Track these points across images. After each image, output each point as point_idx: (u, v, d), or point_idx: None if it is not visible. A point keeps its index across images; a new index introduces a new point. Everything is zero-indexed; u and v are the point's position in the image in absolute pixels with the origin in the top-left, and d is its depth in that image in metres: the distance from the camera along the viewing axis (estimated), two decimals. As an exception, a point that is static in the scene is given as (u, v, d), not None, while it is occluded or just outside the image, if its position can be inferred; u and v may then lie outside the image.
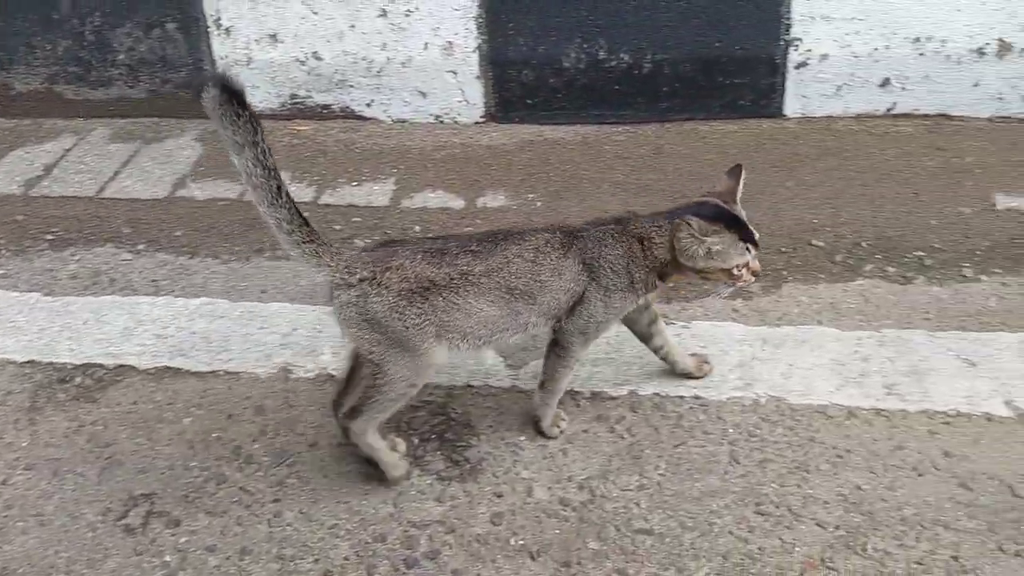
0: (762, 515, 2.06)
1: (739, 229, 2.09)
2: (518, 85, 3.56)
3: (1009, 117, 3.26)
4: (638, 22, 3.35)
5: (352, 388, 2.23)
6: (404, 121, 3.73)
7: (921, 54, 3.21)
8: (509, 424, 2.35)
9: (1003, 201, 2.93)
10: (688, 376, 2.41)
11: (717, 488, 2.13)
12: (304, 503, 2.19)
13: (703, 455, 2.21)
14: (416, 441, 2.33)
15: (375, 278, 2.05)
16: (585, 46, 3.43)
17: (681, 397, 2.37)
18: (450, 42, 3.52)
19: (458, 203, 3.24)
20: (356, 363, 2.21)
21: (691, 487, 2.14)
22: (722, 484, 2.14)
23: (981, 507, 2.02)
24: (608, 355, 2.51)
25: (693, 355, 2.43)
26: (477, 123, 3.66)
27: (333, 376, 2.52)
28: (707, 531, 2.04)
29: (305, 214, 2.06)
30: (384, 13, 3.53)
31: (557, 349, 2.24)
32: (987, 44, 3.15)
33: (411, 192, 3.33)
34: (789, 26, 3.26)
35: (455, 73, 3.58)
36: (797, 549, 1.98)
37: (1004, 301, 2.55)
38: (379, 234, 3.12)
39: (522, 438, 2.31)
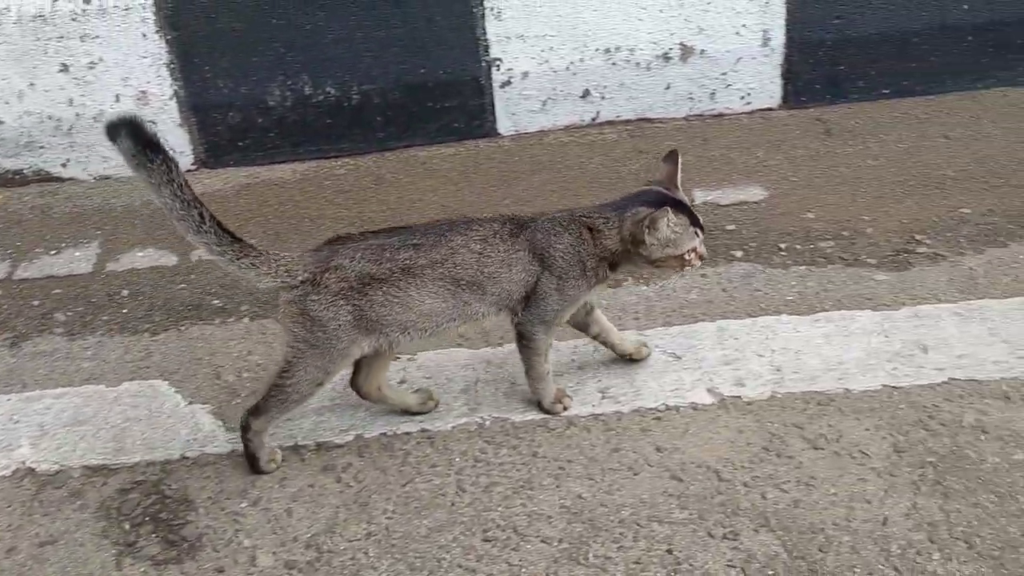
0: (489, 541, 2.06)
1: (688, 214, 2.12)
2: (226, 128, 3.42)
3: (702, 115, 3.48)
4: (338, 55, 3.31)
5: (361, 371, 2.30)
6: (107, 178, 3.50)
7: (614, 64, 3.36)
8: (230, 492, 2.23)
9: (699, 196, 3.11)
10: (630, 359, 2.43)
11: (445, 521, 2.11)
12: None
13: (430, 489, 2.19)
14: (127, 527, 2.16)
15: (315, 279, 2.09)
16: (289, 83, 3.35)
17: (408, 433, 2.33)
18: (143, 91, 3.34)
19: (171, 259, 3.07)
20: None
21: (419, 525, 2.10)
22: (449, 516, 2.12)
23: (691, 496, 2.11)
24: (333, 401, 2.44)
25: (635, 338, 2.45)
26: (189, 171, 3.48)
27: (34, 470, 2.32)
28: (435, 568, 2.01)
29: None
30: (65, 68, 3.30)
31: (523, 341, 2.27)
32: (671, 49, 3.35)
33: (117, 254, 3.12)
34: (487, 47, 3.33)
35: (155, 123, 3.37)
36: (524, 570, 1.99)
37: (704, 292, 2.71)
38: (83, 304, 2.90)
39: (244, 504, 2.19)
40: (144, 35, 3.26)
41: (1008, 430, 2.17)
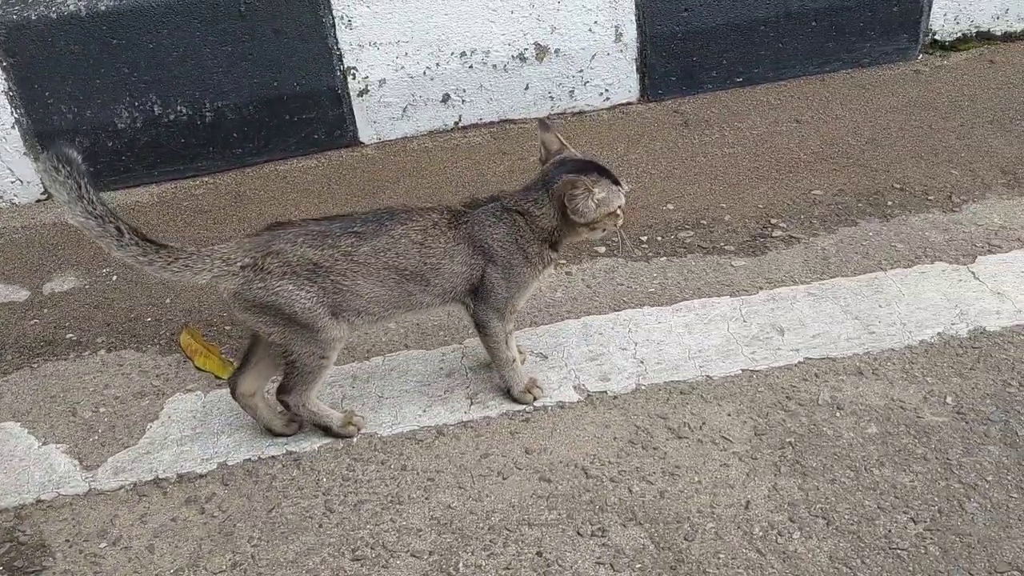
0: (358, 560, 2.02)
1: (602, 171, 2.15)
2: (74, 154, 3.28)
3: (563, 112, 3.50)
4: (186, 72, 3.21)
5: (248, 369, 2.25)
6: (-49, 212, 3.33)
7: (471, 67, 3.35)
8: (88, 533, 2.13)
9: (562, 194, 3.13)
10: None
11: (313, 544, 2.06)
12: None
13: (297, 513, 2.14)
14: (-21, 580, 2.06)
15: (256, 264, 2.08)
16: (137, 104, 3.24)
17: (273, 457, 2.28)
18: (-19, 121, 3.18)
19: (21, 294, 2.93)
20: (254, 343, 2.24)
21: (286, 551, 2.05)
22: (318, 539, 2.07)
23: (560, 496, 2.12)
24: (195, 430, 2.37)
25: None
26: (39, 201, 3.34)
27: None
28: (304, 593, 1.98)
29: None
30: None
31: (481, 330, 2.27)
32: (526, 50, 3.36)
33: (-36, 292, 2.97)
34: (341, 56, 3.28)
35: (-3, 153, 3.25)
36: (394, 587, 1.97)
37: (568, 290, 2.72)
38: (-71, 348, 2.75)
39: (103, 545, 2.10)
40: (-22, 62, 3.11)
41: (862, 405, 2.25)
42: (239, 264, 2.08)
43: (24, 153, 3.25)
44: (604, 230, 2.22)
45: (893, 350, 2.39)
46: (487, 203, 2.23)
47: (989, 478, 2.05)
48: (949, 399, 2.25)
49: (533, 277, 2.23)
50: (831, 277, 2.64)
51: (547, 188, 2.16)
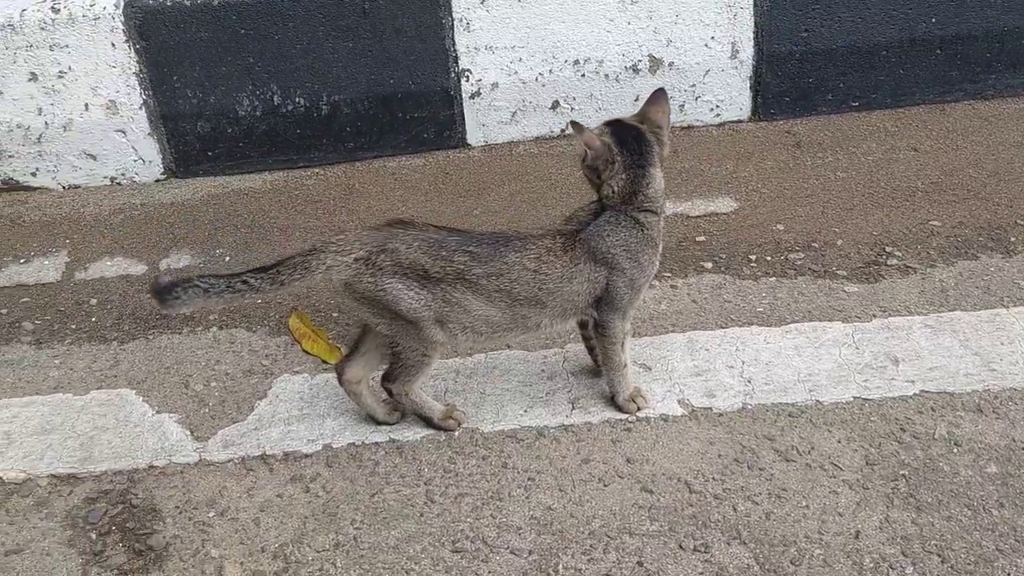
0: (458, 552, 2.04)
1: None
2: (195, 138, 3.39)
3: (672, 126, 3.46)
4: (308, 65, 3.29)
5: (356, 357, 2.30)
6: (77, 187, 3.46)
7: (583, 75, 3.36)
8: (197, 502, 2.20)
9: (670, 207, 3.10)
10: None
11: (414, 532, 2.08)
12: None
13: (399, 500, 2.16)
14: (94, 536, 2.13)
15: (369, 258, 2.12)
16: (258, 93, 3.32)
17: (377, 443, 2.31)
18: (113, 101, 3.30)
19: (139, 268, 3.03)
20: (363, 333, 2.29)
21: (387, 536, 2.08)
22: (418, 527, 2.10)
23: (662, 508, 2.10)
24: (302, 411, 2.42)
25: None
26: (158, 181, 3.45)
27: (0, 478, 2.28)
28: (405, 580, 2.00)
29: None
30: (35, 77, 3.26)
31: (599, 331, 2.28)
32: (640, 61, 3.35)
33: (86, 263, 3.08)
34: (456, 58, 3.32)
35: (124, 132, 3.35)
36: (493, 583, 1.98)
37: (673, 303, 2.70)
38: (51, 313, 2.86)
39: (211, 514, 2.16)
40: (113, 44, 3.22)
41: (981, 443, 2.18)
42: (353, 256, 2.12)
43: (148, 134, 3.36)
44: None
45: (1015, 389, 2.31)
46: (597, 215, 2.21)
47: (1119, 527, 1.98)
48: (1072, 444, 2.17)
49: (650, 275, 2.24)
50: (949, 310, 2.57)
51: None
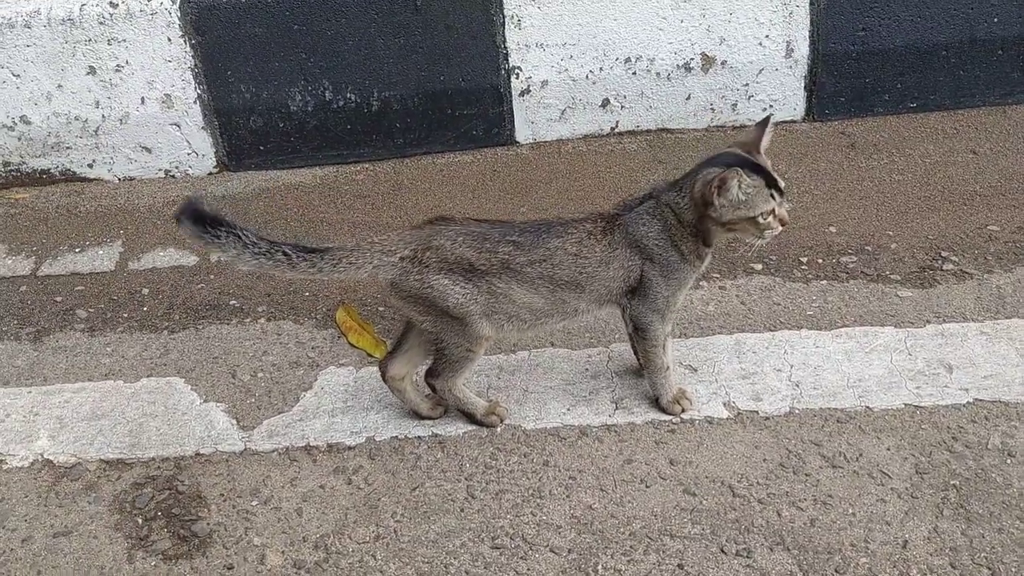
0: (498, 549, 2.03)
1: (763, 176, 2.05)
2: (248, 132, 3.44)
3: (723, 125, 3.45)
4: (359, 61, 3.31)
5: (399, 354, 2.32)
6: (132, 179, 3.52)
7: (634, 73, 3.34)
8: (241, 490, 2.22)
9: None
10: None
11: (454, 527, 2.09)
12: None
13: (440, 495, 2.17)
14: (140, 521, 2.16)
15: (415, 256, 2.15)
16: (310, 88, 3.36)
17: (419, 437, 2.32)
18: (168, 94, 3.36)
19: (191, 260, 3.08)
20: (407, 330, 2.31)
21: (427, 530, 2.09)
22: (459, 522, 2.10)
23: (704, 511, 2.07)
24: (346, 403, 2.44)
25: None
26: (210, 174, 3.51)
27: (52, 462, 2.34)
28: (443, 573, 1.99)
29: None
30: (92, 70, 3.33)
31: (639, 333, 2.26)
32: (692, 59, 3.32)
33: (140, 253, 3.14)
34: (507, 55, 3.32)
35: (178, 126, 3.41)
36: (531, 580, 1.97)
37: (721, 305, 2.67)
38: (104, 301, 2.92)
39: (255, 503, 2.19)
40: (169, 39, 3.28)
41: (1034, 453, 2.13)
42: (399, 255, 2.14)
43: (202, 127, 3.41)
44: (752, 234, 2.10)
45: (1072, 399, 2.25)
46: (642, 202, 2.20)
47: None
48: None
49: (691, 273, 2.19)
50: (1006, 318, 2.50)
51: (691, 177, 2.11)
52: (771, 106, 3.38)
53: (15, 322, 2.86)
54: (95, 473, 2.32)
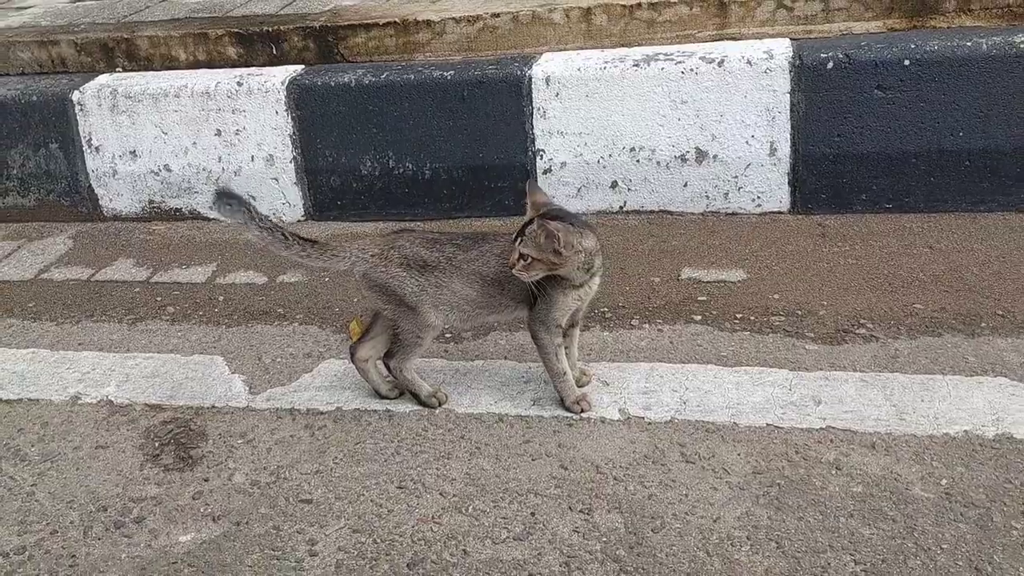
0: (401, 488, 2.60)
1: (570, 220, 2.74)
2: (328, 189, 4.28)
3: (717, 211, 3.94)
4: (417, 137, 4.10)
5: (367, 340, 2.91)
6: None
7: (638, 161, 3.93)
8: (235, 433, 2.90)
9: (686, 273, 3.57)
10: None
11: (375, 471, 2.67)
12: (57, 487, 2.73)
13: (375, 449, 2.76)
14: (157, 444, 2.88)
15: (382, 254, 2.80)
16: (378, 157, 4.17)
17: (375, 411, 2.93)
18: (271, 155, 4.26)
19: (261, 279, 3.89)
20: (374, 320, 2.90)
21: (355, 471, 2.68)
22: (380, 468, 2.68)
23: (568, 480, 2.55)
24: (331, 384, 3.09)
25: (582, 366, 2.95)
26: (298, 221, 4.35)
27: (112, 402, 3.11)
28: (354, 500, 2.57)
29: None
30: (219, 133, 4.29)
31: (534, 341, 2.80)
32: (687, 152, 3.87)
33: (226, 273, 3.98)
34: (533, 140, 4.00)
35: (277, 180, 4.30)
36: (416, 511, 2.51)
37: (652, 342, 3.15)
38: (189, 303, 3.75)
39: (240, 441, 2.86)
40: (276, 112, 4.20)
41: (860, 470, 2.48)
42: (370, 253, 2.82)
43: (295, 183, 4.28)
44: (576, 268, 2.68)
45: (914, 436, 2.58)
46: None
47: (944, 546, 2.22)
48: (944, 481, 2.42)
49: (561, 295, 2.73)
50: (891, 372, 2.85)
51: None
52: (759, 197, 3.86)
53: (122, 311, 3.74)
54: (139, 412, 3.06)
